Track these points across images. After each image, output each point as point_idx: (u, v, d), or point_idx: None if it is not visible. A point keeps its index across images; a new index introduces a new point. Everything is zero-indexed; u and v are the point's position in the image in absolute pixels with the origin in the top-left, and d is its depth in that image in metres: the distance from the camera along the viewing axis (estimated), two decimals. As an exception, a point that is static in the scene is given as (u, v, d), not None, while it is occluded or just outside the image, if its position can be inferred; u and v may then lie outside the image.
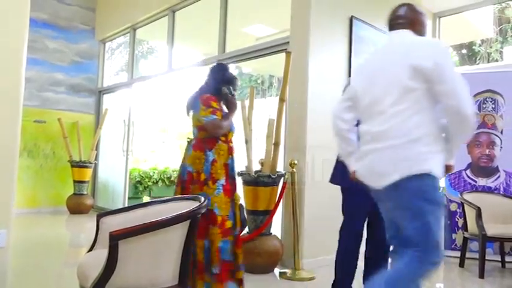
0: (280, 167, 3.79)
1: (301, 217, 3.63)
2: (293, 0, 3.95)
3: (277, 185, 3.60)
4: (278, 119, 3.62)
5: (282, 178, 3.60)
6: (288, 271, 3.46)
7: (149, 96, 8.58)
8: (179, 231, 1.89)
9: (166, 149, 9.68)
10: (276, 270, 3.54)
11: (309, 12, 3.77)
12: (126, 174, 6.64)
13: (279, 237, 3.72)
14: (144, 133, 9.19)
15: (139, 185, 7.74)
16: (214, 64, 2.86)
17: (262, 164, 3.67)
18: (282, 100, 3.63)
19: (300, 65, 3.76)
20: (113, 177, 6.96)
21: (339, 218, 2.58)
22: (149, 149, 9.56)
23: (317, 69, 3.81)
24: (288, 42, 3.94)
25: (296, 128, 3.80)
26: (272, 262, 3.47)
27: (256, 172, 3.61)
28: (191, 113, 2.68)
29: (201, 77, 2.85)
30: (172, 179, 8.11)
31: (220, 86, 2.66)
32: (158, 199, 2.27)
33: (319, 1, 3.84)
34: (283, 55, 3.70)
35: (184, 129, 9.71)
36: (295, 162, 3.58)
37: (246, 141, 3.79)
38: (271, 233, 3.57)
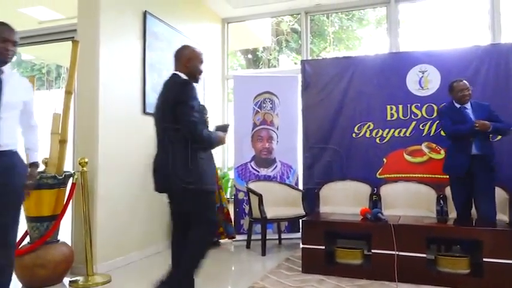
0: (69, 167, 3.46)
1: (94, 219, 3.40)
2: (81, -16, 3.64)
3: (65, 187, 3.28)
4: (65, 113, 3.28)
5: (71, 178, 3.29)
6: (80, 278, 3.20)
7: None
8: None
9: None
10: (66, 280, 3.22)
11: (99, 0, 3.54)
12: None
13: (69, 243, 3.41)
14: None
15: None
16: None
17: (46, 163, 3.28)
18: (68, 93, 3.31)
19: (90, 56, 3.50)
20: None
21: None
22: None
23: (109, 62, 3.61)
24: (76, 30, 3.62)
25: (86, 123, 3.53)
26: (60, 272, 3.13)
27: (39, 173, 3.18)
28: None
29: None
30: None
31: None
32: None
33: (110, -10, 3.65)
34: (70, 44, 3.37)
35: None
36: (86, 160, 3.32)
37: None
38: (58, 240, 3.22)
